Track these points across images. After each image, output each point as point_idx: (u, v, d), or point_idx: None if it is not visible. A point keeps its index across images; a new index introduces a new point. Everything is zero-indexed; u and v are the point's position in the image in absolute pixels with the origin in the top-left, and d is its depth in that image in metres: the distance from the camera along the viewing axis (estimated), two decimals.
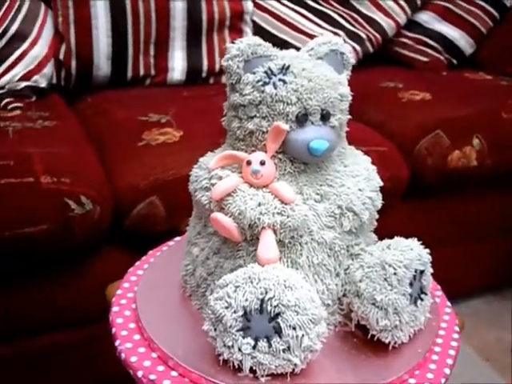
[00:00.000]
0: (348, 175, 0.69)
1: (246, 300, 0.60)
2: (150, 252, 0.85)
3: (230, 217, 0.65)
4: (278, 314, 0.59)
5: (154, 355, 0.66)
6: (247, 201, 0.64)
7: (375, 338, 0.66)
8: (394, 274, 0.64)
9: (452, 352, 0.69)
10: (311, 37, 1.64)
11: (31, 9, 1.43)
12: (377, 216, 0.74)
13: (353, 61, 0.72)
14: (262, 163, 0.65)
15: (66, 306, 1.09)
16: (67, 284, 1.08)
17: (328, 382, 0.63)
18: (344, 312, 0.69)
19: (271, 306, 0.59)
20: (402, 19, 1.70)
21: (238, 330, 0.60)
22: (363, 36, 1.67)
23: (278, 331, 0.60)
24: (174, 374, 0.64)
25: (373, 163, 1.24)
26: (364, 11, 1.68)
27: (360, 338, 0.68)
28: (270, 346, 0.60)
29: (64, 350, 1.12)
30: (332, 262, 0.67)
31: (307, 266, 0.66)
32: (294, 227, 0.64)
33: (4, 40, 1.36)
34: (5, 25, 1.36)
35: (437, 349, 0.69)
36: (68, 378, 1.14)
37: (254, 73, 0.66)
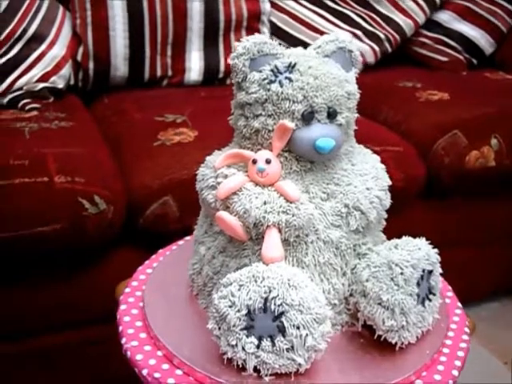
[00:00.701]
0: (356, 174, 0.69)
1: (250, 299, 0.59)
2: (160, 251, 0.86)
3: (236, 215, 0.64)
4: (281, 313, 0.59)
5: (159, 353, 0.66)
6: (252, 199, 0.64)
7: (382, 339, 0.65)
8: (401, 273, 0.63)
9: (461, 354, 0.68)
10: None
11: (49, 10, 1.44)
12: (385, 215, 0.73)
13: (361, 59, 0.71)
14: (268, 162, 0.65)
15: (79, 305, 1.10)
16: (80, 283, 1.09)
17: (332, 382, 0.62)
18: (351, 312, 0.68)
19: (275, 305, 0.59)
20: (420, 19, 1.68)
21: (241, 329, 0.60)
22: (381, 36, 1.66)
23: (282, 330, 0.59)
24: (178, 372, 0.64)
25: (387, 163, 1.24)
26: (382, 11, 1.67)
27: (367, 338, 0.67)
28: (273, 345, 0.60)
29: (76, 349, 1.12)
30: (338, 262, 0.66)
31: (313, 265, 0.65)
32: (300, 226, 0.63)
33: (22, 41, 1.37)
34: (23, 26, 1.37)
35: (445, 350, 0.69)
36: (78, 377, 1.14)
37: (261, 71, 0.66)
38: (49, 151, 1.09)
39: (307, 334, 0.59)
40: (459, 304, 0.77)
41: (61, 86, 1.42)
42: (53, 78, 1.40)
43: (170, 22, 1.53)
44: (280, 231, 0.63)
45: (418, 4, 1.67)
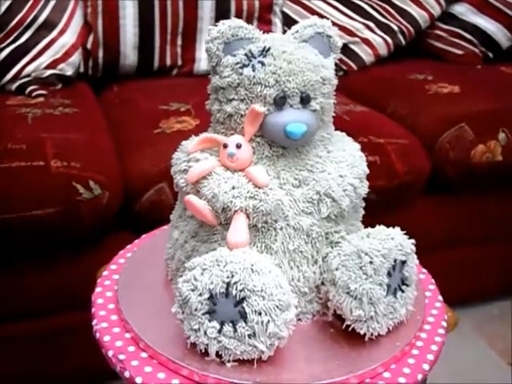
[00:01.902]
0: (331, 161, 0.68)
1: (212, 283, 0.59)
2: (143, 236, 0.86)
3: (205, 200, 0.64)
4: (243, 299, 0.58)
5: (127, 336, 0.66)
6: (221, 184, 0.63)
7: (350, 329, 0.64)
8: (370, 262, 0.62)
9: (434, 347, 0.67)
10: (341, 28, 1.61)
11: None
12: (362, 204, 0.72)
13: (340, 44, 0.69)
14: (238, 146, 0.64)
15: (76, 288, 1.10)
16: (75, 268, 1.09)
17: (296, 371, 0.61)
18: (322, 301, 0.67)
19: (236, 290, 0.58)
20: (436, 11, 1.65)
21: (203, 313, 0.60)
22: (395, 28, 1.64)
23: (244, 316, 0.59)
24: (143, 355, 0.64)
25: (391, 156, 1.23)
26: (397, 3, 1.64)
27: (338, 328, 0.66)
28: (235, 330, 0.59)
29: (73, 332, 1.13)
30: (309, 249, 0.65)
31: (282, 251, 0.64)
32: (267, 211, 0.63)
33: (32, 29, 1.38)
34: (34, 14, 1.39)
35: (419, 343, 0.67)
36: (78, 359, 1.15)
37: (235, 55, 0.65)
38: (48, 136, 1.11)
39: (269, 321, 0.58)
40: (440, 297, 0.75)
41: (69, 73, 1.43)
42: (61, 65, 1.41)
43: (181, 11, 1.53)
44: (248, 216, 0.63)
45: None
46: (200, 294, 0.59)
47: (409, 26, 1.65)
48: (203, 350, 0.61)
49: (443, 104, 1.35)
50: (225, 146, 0.65)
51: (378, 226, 0.68)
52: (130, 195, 1.10)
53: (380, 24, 1.63)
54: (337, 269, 0.64)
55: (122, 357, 0.63)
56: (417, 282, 0.70)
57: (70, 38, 1.45)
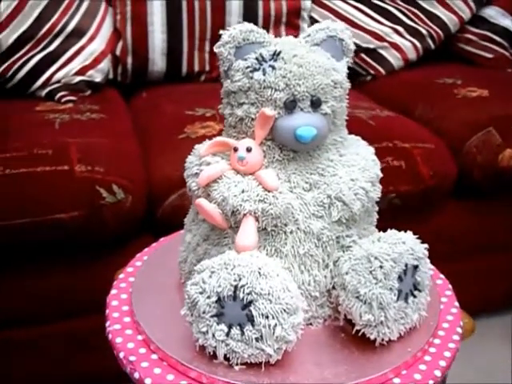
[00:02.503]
0: (343, 165, 0.67)
1: (220, 286, 0.59)
2: (162, 239, 0.86)
3: (215, 203, 0.64)
4: (250, 302, 0.59)
5: (139, 338, 0.67)
6: (231, 187, 0.63)
7: (360, 334, 0.64)
8: (380, 267, 0.61)
9: (448, 354, 0.66)
10: (369, 33, 1.62)
11: (91, 6, 1.48)
12: (375, 208, 0.72)
13: (353, 47, 0.69)
14: (249, 150, 0.64)
15: (98, 291, 1.11)
16: (99, 270, 1.11)
17: (304, 375, 0.61)
18: (333, 305, 0.67)
19: (244, 293, 0.58)
20: (466, 14, 1.63)
21: (211, 316, 0.60)
22: (424, 32, 1.62)
23: (251, 319, 0.59)
24: (154, 357, 0.64)
25: (416, 160, 1.22)
26: (426, 6, 1.62)
27: (349, 333, 0.66)
28: (242, 333, 0.59)
29: (95, 333, 1.14)
30: (320, 253, 0.65)
31: (292, 255, 0.64)
32: (277, 215, 0.63)
33: (62, 36, 1.41)
34: (63, 21, 1.42)
35: (432, 349, 0.66)
36: (100, 360, 1.17)
37: (246, 59, 0.66)
38: (73, 141, 1.13)
39: (276, 324, 0.58)
40: (456, 303, 0.74)
41: (98, 79, 1.46)
42: (90, 72, 1.44)
43: (209, 16, 1.55)
44: (257, 220, 0.63)
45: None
46: (208, 297, 0.60)
47: (438, 29, 1.63)
48: (211, 353, 0.61)
49: (471, 108, 1.33)
50: (235, 149, 0.65)
51: (389, 230, 0.67)
52: (154, 200, 1.11)
53: (409, 28, 1.61)
54: (347, 273, 0.63)
55: (132, 358, 0.64)
56: (431, 288, 0.69)
57: (99, 44, 1.47)
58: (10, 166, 1.04)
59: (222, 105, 0.70)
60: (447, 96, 1.41)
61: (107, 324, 0.70)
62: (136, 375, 0.62)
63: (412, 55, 1.62)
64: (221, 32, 0.67)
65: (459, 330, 0.69)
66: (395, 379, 0.62)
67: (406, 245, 0.64)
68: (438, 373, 0.63)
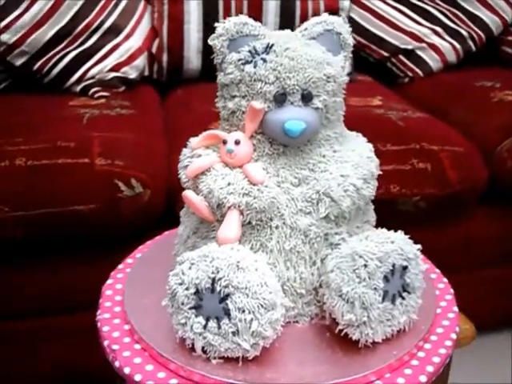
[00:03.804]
0: (336, 161, 0.66)
1: (198, 278, 0.59)
2: (166, 233, 0.87)
3: (202, 195, 0.64)
4: (227, 295, 0.58)
5: (126, 327, 0.67)
6: (218, 180, 0.63)
7: (344, 334, 0.62)
8: (365, 265, 0.60)
9: (437, 359, 0.63)
10: (408, 34, 1.58)
11: (129, 4, 1.50)
12: (371, 206, 0.70)
13: (351, 42, 0.68)
14: (237, 143, 0.64)
15: None
16: (115, 264, 1.12)
17: (281, 372, 0.60)
18: (320, 304, 0.65)
19: (221, 286, 0.58)
20: (509, 16, 1.58)
21: (190, 308, 0.60)
22: (464, 34, 1.58)
23: (227, 313, 0.58)
24: (137, 346, 0.65)
25: (444, 163, 1.18)
26: (467, 7, 1.58)
27: (335, 332, 0.64)
28: (219, 327, 0.59)
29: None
30: (307, 250, 0.64)
31: (277, 250, 0.63)
32: (261, 209, 0.62)
33: (98, 33, 1.44)
34: (101, 19, 1.44)
35: (421, 354, 0.64)
36: None
37: (239, 52, 0.65)
38: (97, 135, 1.14)
39: (252, 319, 0.58)
40: (455, 308, 0.71)
41: (132, 76, 1.48)
42: (124, 69, 1.46)
43: (245, 16, 1.54)
44: (242, 213, 0.62)
45: (506, 0, 1.57)
46: (187, 289, 0.59)
47: (479, 31, 1.58)
48: (191, 345, 0.61)
49: (505, 112, 1.28)
50: (224, 142, 0.64)
51: (379, 229, 0.65)
52: (173, 195, 1.12)
53: (448, 29, 1.57)
54: (332, 271, 0.62)
55: (115, 347, 0.64)
56: (429, 291, 0.68)
57: (135, 42, 1.49)
58: (33, 158, 1.06)
59: (217, 98, 0.70)
60: (483, 99, 1.36)
61: (98, 312, 0.70)
62: (116, 364, 0.63)
63: (451, 57, 1.58)
64: (215, 24, 0.66)
65: (453, 335, 0.67)
66: (377, 382, 0.60)
67: (395, 244, 0.62)
68: (423, 378, 0.61)
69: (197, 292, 0.59)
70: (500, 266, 1.29)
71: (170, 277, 0.61)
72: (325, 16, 0.68)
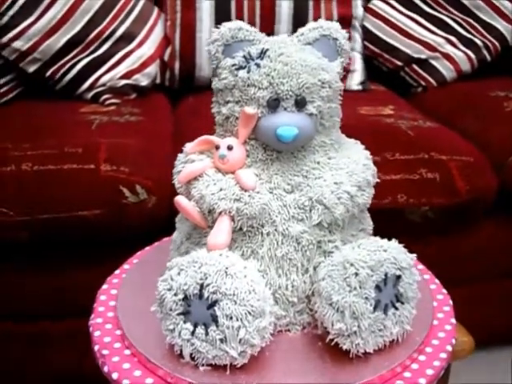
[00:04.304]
0: (330, 168, 0.65)
1: (186, 284, 0.58)
2: (165, 239, 0.86)
3: (194, 201, 0.64)
4: (215, 302, 0.57)
5: (117, 332, 0.67)
6: (210, 185, 0.63)
7: (335, 343, 0.61)
8: (356, 274, 0.59)
9: (430, 372, 0.62)
10: (421, 43, 1.57)
11: (143, 12, 1.51)
12: (367, 214, 0.69)
13: (347, 47, 0.67)
14: (230, 148, 0.63)
15: None
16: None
17: (269, 381, 0.59)
18: (313, 312, 0.64)
19: (209, 292, 0.57)
20: None
21: (178, 314, 0.59)
22: (479, 43, 1.56)
23: (215, 319, 0.58)
24: (127, 352, 0.64)
25: (452, 173, 1.17)
26: (482, 17, 1.56)
27: (327, 342, 0.63)
28: (207, 333, 0.58)
29: None
30: (299, 257, 0.63)
31: (268, 257, 0.63)
32: (252, 215, 0.61)
33: (111, 41, 1.45)
34: (113, 26, 1.45)
35: (414, 366, 0.63)
36: None
37: (234, 57, 0.65)
38: (104, 141, 1.15)
39: (240, 326, 0.57)
40: (452, 320, 0.69)
41: (144, 83, 1.48)
42: (136, 76, 1.46)
43: (257, 24, 1.55)
44: (233, 219, 0.62)
45: None
46: (175, 294, 0.59)
47: (495, 41, 1.56)
48: (179, 352, 0.61)
49: None
50: (217, 147, 0.64)
51: (371, 237, 0.64)
52: None
53: (463, 38, 1.55)
54: (323, 279, 0.61)
55: (105, 352, 0.64)
56: (427, 302, 0.67)
57: (148, 49, 1.50)
58: (39, 163, 1.07)
59: (212, 103, 0.69)
60: (495, 109, 1.35)
61: (91, 317, 0.70)
62: (105, 369, 0.62)
63: (465, 67, 1.56)
64: (212, 29, 0.66)
65: (449, 347, 0.65)
66: None
67: (388, 253, 0.61)
68: None
69: (185, 298, 0.59)
70: (509, 279, 1.27)
71: (159, 282, 0.61)
72: (321, 21, 0.67)
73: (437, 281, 0.77)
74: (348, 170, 0.65)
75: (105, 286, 0.75)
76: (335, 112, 0.67)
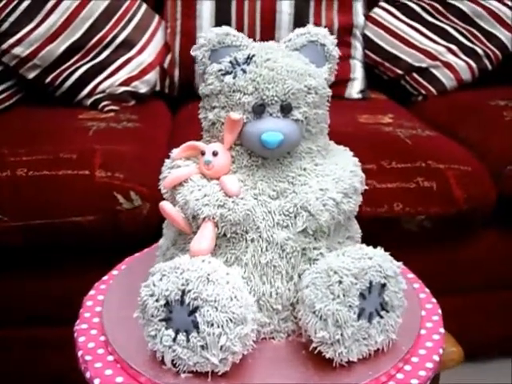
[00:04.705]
0: (317, 174, 0.64)
1: (167, 290, 0.58)
2: (155, 245, 0.86)
3: (179, 207, 0.63)
4: (196, 308, 0.57)
5: (101, 338, 0.67)
6: (194, 191, 0.62)
7: (316, 352, 0.60)
8: (339, 282, 0.58)
9: (415, 382, 0.61)
10: (422, 52, 1.57)
11: (143, 19, 1.52)
12: (354, 222, 0.68)
13: (336, 53, 0.66)
14: (215, 154, 0.63)
15: None
16: None
17: None
18: (297, 320, 0.64)
19: (190, 298, 0.57)
20: None
21: (160, 320, 0.59)
22: (480, 52, 1.55)
23: (196, 326, 0.57)
24: (109, 358, 0.64)
25: (449, 182, 1.16)
26: (483, 25, 1.55)
27: (310, 350, 0.62)
28: (188, 340, 0.57)
29: None
30: (284, 264, 0.63)
31: (252, 264, 0.62)
32: (235, 221, 0.61)
33: (111, 48, 1.45)
34: (114, 33, 1.46)
35: (399, 376, 0.62)
36: None
37: (221, 62, 0.65)
38: (100, 147, 1.15)
39: (221, 333, 0.56)
40: (441, 330, 0.68)
41: (143, 90, 1.49)
42: (135, 83, 1.47)
43: (258, 32, 1.55)
44: (217, 225, 0.61)
45: None
46: (157, 300, 0.59)
47: (496, 50, 1.56)
48: (161, 358, 0.60)
49: None
50: (202, 153, 0.64)
51: (357, 245, 0.64)
52: None
53: (464, 47, 1.55)
54: (307, 286, 0.60)
55: (88, 358, 0.64)
56: (414, 311, 0.66)
57: (147, 56, 1.50)
58: (34, 168, 1.07)
59: (199, 109, 0.69)
60: (494, 118, 1.34)
61: (76, 322, 0.70)
62: (87, 375, 0.62)
63: (466, 75, 1.56)
64: (198, 35, 0.66)
65: (436, 357, 0.64)
66: None
67: (373, 261, 0.60)
68: None
69: (167, 304, 0.58)
70: (507, 290, 1.26)
71: (141, 288, 0.60)
72: (309, 27, 0.67)
73: (427, 290, 0.76)
74: (334, 176, 0.65)
75: (92, 292, 0.75)
76: (322, 118, 0.66)
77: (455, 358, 0.69)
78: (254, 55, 0.64)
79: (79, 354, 0.65)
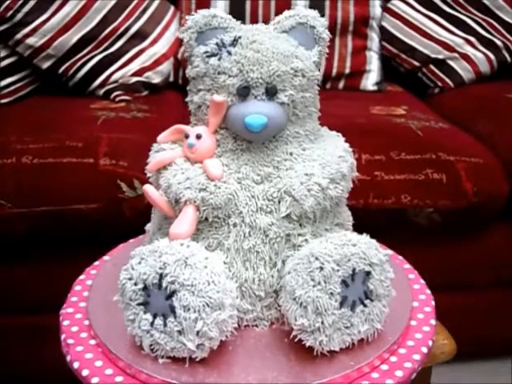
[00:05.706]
0: (303, 159, 0.63)
1: (145, 273, 0.57)
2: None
3: (162, 190, 0.63)
4: (173, 292, 0.56)
5: (86, 323, 0.66)
6: (177, 175, 0.62)
7: (297, 340, 0.59)
8: (320, 268, 0.57)
9: (399, 373, 0.59)
10: (440, 43, 1.53)
11: (158, 10, 1.51)
12: (345, 209, 0.67)
13: (326, 36, 0.65)
14: (198, 137, 0.62)
15: None
16: None
17: (226, 376, 0.57)
18: (280, 308, 0.62)
19: (167, 282, 0.56)
20: None
21: (138, 304, 0.58)
22: (499, 44, 1.51)
23: (173, 310, 0.56)
24: (92, 342, 0.63)
25: (459, 174, 1.13)
26: (503, 16, 1.51)
27: (293, 339, 0.61)
28: (165, 325, 0.57)
29: None
30: (267, 250, 0.61)
31: (234, 249, 0.61)
32: (217, 205, 0.60)
33: (124, 38, 1.45)
34: (127, 24, 1.46)
35: (383, 367, 0.60)
36: None
37: (207, 45, 0.64)
38: (106, 136, 1.15)
39: (197, 318, 0.55)
40: (432, 321, 0.66)
41: (155, 81, 1.48)
42: (148, 73, 1.46)
43: None
44: (198, 209, 0.60)
45: None
46: (135, 284, 0.58)
47: None
48: (139, 343, 0.59)
49: None
50: (186, 136, 0.63)
51: (342, 231, 0.62)
52: None
53: (482, 39, 1.51)
54: (288, 272, 0.59)
55: (70, 341, 0.63)
56: (405, 301, 0.65)
57: (161, 47, 1.50)
58: (39, 156, 1.07)
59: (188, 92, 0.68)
60: (510, 111, 1.30)
61: (63, 306, 0.69)
62: (68, 358, 0.62)
63: (484, 68, 1.52)
64: (186, 17, 0.65)
65: (424, 349, 0.62)
66: None
67: (357, 248, 0.58)
68: None
69: (145, 288, 0.57)
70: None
71: (121, 271, 0.60)
72: (298, 9, 0.65)
73: (422, 281, 0.74)
74: (322, 161, 0.63)
75: (82, 277, 0.75)
76: (310, 102, 0.65)
77: (446, 351, 0.66)
78: (240, 37, 0.62)
79: (62, 337, 0.64)
